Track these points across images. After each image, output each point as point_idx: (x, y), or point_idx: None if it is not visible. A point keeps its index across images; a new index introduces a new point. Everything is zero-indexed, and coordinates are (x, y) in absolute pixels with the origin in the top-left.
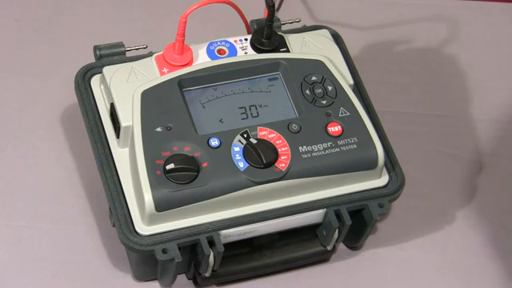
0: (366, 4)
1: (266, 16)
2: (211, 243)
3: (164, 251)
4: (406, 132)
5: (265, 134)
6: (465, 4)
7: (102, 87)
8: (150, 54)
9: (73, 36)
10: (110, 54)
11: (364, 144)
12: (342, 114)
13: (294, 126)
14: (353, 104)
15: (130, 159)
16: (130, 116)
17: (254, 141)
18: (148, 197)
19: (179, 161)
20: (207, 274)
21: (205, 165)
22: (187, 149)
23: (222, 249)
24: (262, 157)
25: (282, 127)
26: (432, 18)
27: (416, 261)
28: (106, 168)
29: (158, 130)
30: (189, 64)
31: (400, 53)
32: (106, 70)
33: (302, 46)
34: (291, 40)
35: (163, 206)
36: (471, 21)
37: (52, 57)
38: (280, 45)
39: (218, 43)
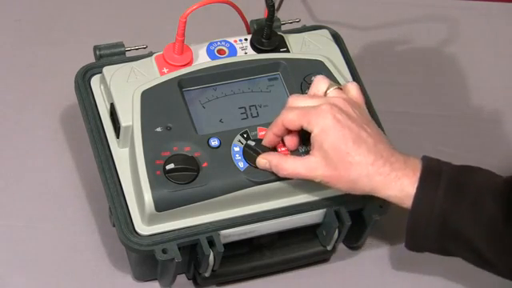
0: (366, 4)
1: (265, 16)
2: (211, 243)
3: (164, 251)
4: (406, 132)
5: (265, 134)
6: (465, 4)
7: (102, 87)
8: (150, 54)
9: (73, 36)
10: (110, 54)
11: None
12: None
13: None
14: None
15: (129, 159)
16: (130, 116)
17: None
18: (148, 197)
19: (179, 161)
20: (207, 274)
21: (205, 165)
22: (187, 149)
23: (222, 249)
24: None
25: None
26: (432, 18)
27: (416, 261)
28: (106, 168)
29: (158, 129)
30: (189, 64)
31: (400, 53)
32: (106, 70)
33: (301, 46)
34: (291, 40)
35: (163, 206)
36: (471, 21)
37: (52, 57)
38: (280, 45)
39: (218, 43)
